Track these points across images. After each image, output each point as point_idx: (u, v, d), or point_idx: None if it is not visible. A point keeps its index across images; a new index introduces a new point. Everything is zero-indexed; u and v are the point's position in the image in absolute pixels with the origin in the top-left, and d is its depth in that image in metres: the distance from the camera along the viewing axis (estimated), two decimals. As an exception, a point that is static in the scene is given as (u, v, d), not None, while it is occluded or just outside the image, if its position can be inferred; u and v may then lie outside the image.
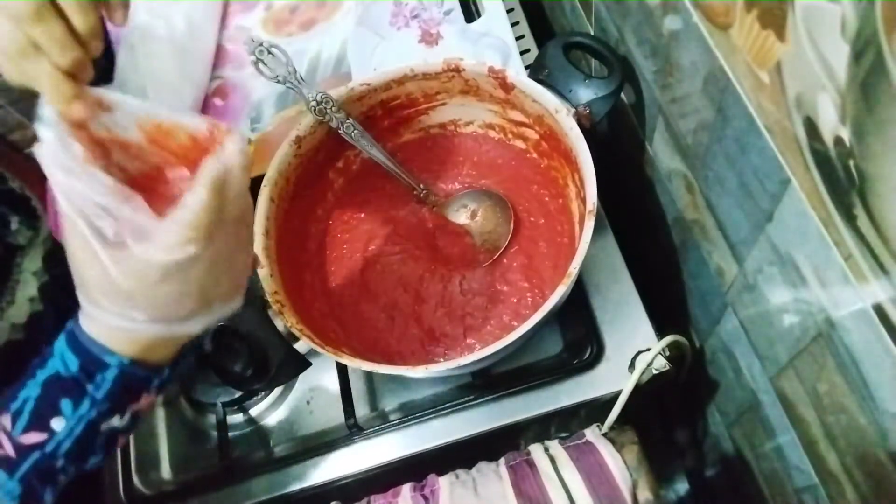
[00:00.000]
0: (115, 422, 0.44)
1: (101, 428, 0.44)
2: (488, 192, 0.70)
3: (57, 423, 0.42)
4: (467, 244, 0.69)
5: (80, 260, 0.39)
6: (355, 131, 0.64)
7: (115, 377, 0.42)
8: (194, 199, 0.38)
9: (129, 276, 0.38)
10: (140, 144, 0.41)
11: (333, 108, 0.62)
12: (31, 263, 0.65)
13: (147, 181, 0.42)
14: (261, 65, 0.61)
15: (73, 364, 0.42)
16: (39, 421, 0.42)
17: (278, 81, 0.61)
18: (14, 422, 0.43)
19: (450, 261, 0.68)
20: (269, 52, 0.61)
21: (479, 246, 0.68)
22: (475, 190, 0.70)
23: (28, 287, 0.64)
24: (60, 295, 0.69)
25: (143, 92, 0.74)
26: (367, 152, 0.65)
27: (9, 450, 0.42)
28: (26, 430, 0.42)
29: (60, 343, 0.43)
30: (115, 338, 0.42)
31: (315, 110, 0.62)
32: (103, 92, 0.39)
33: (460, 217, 0.70)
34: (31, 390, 0.43)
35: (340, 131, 0.63)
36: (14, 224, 0.64)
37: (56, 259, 0.69)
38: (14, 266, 0.64)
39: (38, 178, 0.63)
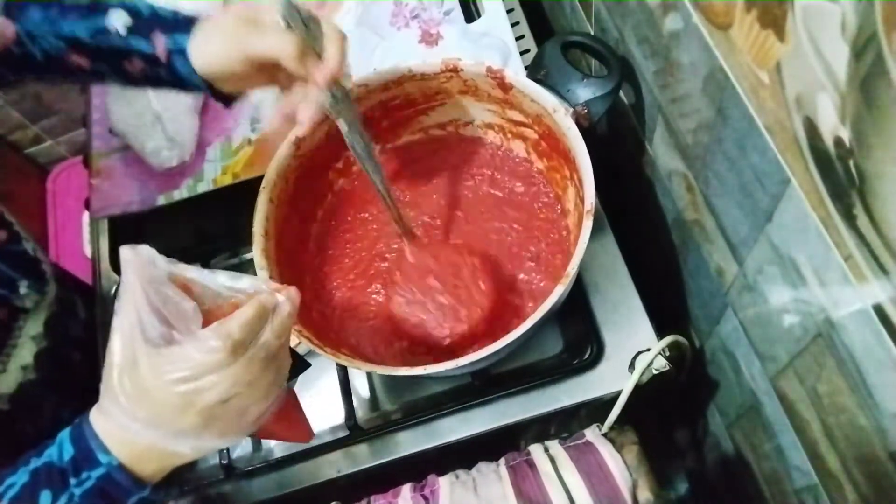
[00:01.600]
0: None
1: None
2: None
3: None
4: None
5: (116, 353, 0.41)
6: (360, 146, 0.57)
7: (100, 477, 0.42)
8: (239, 313, 0.42)
9: (154, 372, 0.40)
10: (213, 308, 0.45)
11: (345, 105, 0.55)
12: (33, 327, 0.65)
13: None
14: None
15: (68, 454, 0.43)
16: None
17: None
18: None
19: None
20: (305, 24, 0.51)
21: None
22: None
23: (24, 353, 0.64)
24: (56, 362, 0.68)
25: (142, 92, 0.74)
26: (365, 170, 0.59)
27: None
28: None
29: (64, 433, 0.44)
30: (115, 438, 0.42)
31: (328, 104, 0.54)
32: (193, 271, 0.43)
33: None
34: (19, 477, 0.43)
35: (346, 138, 0.57)
36: (23, 288, 0.64)
37: (57, 322, 0.68)
38: (15, 329, 0.63)
39: (30, 177, 0.63)
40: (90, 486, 0.42)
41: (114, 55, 0.55)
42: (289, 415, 0.50)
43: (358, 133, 0.57)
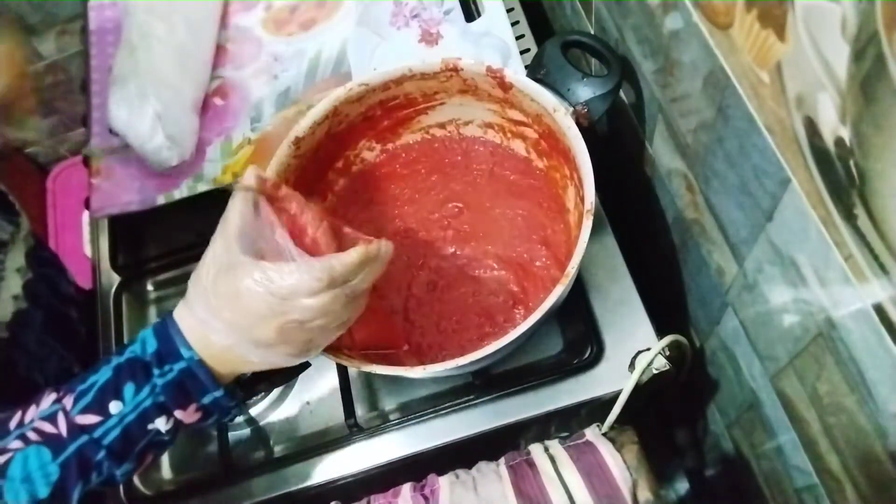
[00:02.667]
0: (161, 424, 0.46)
1: (149, 427, 0.46)
2: None
3: (114, 407, 0.45)
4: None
5: (216, 255, 0.46)
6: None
7: (181, 370, 0.46)
8: (346, 255, 0.46)
9: (252, 279, 0.43)
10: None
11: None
12: (14, 260, 0.66)
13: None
14: None
15: (152, 346, 0.46)
16: (100, 402, 0.45)
17: None
18: (76, 402, 0.46)
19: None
20: None
21: None
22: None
23: (12, 285, 0.65)
24: (45, 293, 0.70)
25: (142, 92, 0.74)
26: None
27: (62, 429, 0.45)
28: (85, 410, 0.45)
29: (146, 331, 0.47)
30: (196, 335, 0.46)
31: None
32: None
33: None
34: (102, 375, 0.46)
35: None
36: None
37: (39, 258, 0.70)
38: None
39: (30, 177, 0.64)
40: (172, 378, 0.46)
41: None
42: (377, 322, 0.54)
43: None
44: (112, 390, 0.46)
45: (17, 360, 0.66)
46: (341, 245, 0.51)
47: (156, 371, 0.46)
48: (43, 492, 0.44)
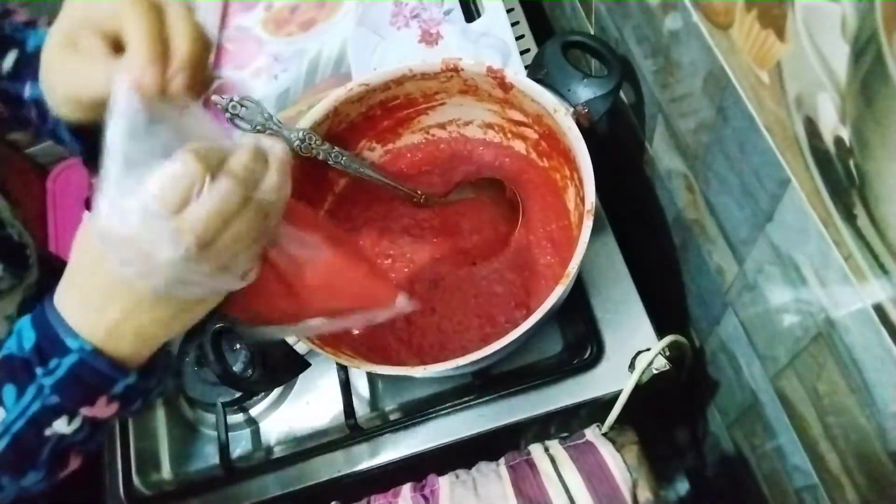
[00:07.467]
0: (62, 426, 0.39)
1: (46, 433, 0.39)
2: (487, 178, 0.69)
3: None
4: (484, 228, 0.69)
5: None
6: (344, 158, 0.62)
7: (72, 365, 0.37)
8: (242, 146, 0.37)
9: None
10: None
11: (318, 142, 0.61)
12: (6, 307, 0.64)
13: None
14: (237, 119, 0.57)
15: (29, 341, 0.38)
16: None
17: (258, 130, 0.58)
18: None
19: (470, 250, 0.68)
20: (242, 105, 0.57)
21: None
22: (472, 180, 0.70)
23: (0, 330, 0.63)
24: None
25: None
26: (359, 174, 0.64)
27: None
28: None
29: (22, 321, 0.39)
30: (83, 316, 0.37)
31: (301, 149, 0.60)
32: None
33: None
34: None
35: (330, 161, 0.62)
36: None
37: (31, 306, 0.68)
38: None
39: (30, 177, 0.62)
40: (61, 376, 0.38)
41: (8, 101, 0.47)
42: (346, 280, 0.44)
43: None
44: None
45: None
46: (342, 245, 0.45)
47: (38, 370, 0.38)
48: None
